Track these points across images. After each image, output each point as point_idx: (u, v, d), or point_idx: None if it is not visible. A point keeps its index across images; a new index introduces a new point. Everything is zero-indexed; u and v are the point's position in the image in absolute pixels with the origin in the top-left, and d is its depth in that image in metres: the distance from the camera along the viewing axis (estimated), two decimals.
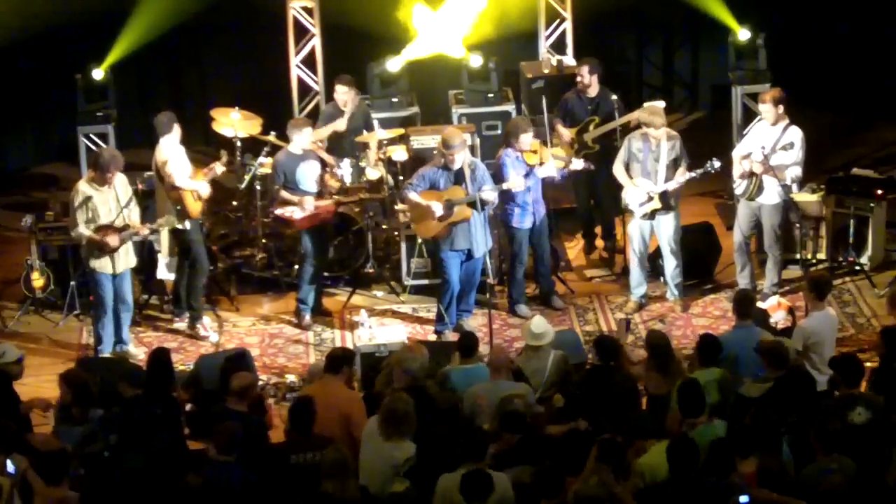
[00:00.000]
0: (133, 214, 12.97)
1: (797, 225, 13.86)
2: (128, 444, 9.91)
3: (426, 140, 15.10)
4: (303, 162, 13.46)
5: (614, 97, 14.50)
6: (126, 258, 13.00)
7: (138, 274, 13.99)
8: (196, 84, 17.91)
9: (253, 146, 14.94)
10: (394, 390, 10.27)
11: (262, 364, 12.94)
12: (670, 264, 13.71)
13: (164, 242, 13.92)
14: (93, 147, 15.08)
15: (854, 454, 9.08)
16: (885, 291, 13.47)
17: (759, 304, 12.32)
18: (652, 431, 9.67)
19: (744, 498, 8.53)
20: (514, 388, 10.46)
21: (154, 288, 14.26)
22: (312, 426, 9.83)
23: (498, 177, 13.32)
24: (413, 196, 13.10)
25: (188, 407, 11.25)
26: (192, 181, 13.27)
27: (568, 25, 16.87)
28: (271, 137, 14.62)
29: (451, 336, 13.01)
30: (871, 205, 14.24)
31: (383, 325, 13.26)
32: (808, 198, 14.30)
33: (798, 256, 14.01)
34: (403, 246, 14.20)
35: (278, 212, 13.55)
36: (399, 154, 14.87)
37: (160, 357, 11.02)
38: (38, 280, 13.99)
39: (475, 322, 13.41)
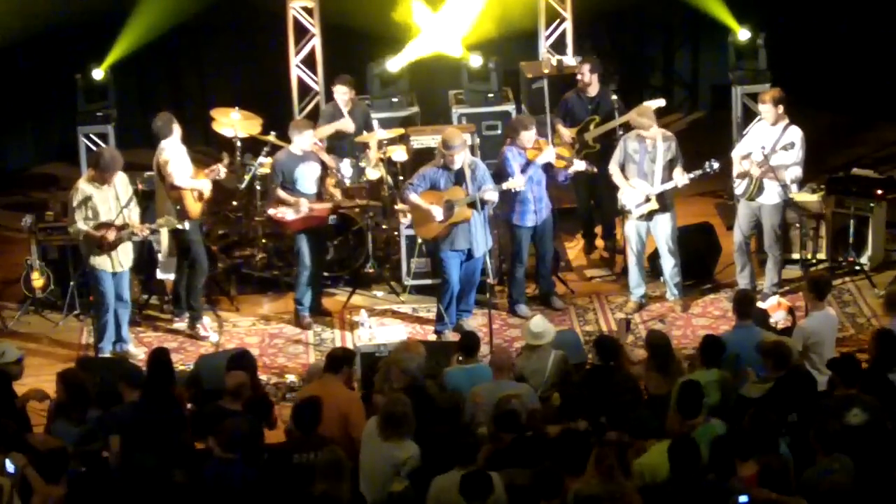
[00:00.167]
0: (133, 214, 12.97)
1: (797, 225, 13.85)
2: (136, 444, 9.92)
3: (426, 140, 15.10)
4: (302, 163, 13.45)
5: (614, 97, 14.52)
6: (125, 257, 13.00)
7: (138, 274, 14.00)
8: (196, 84, 17.91)
9: (253, 146, 14.93)
10: (393, 390, 10.27)
11: (262, 364, 12.92)
12: (668, 264, 13.70)
13: (163, 242, 13.92)
14: (93, 147, 15.06)
15: (852, 455, 9.08)
16: (883, 292, 13.46)
17: (759, 304, 12.33)
18: (652, 431, 9.67)
19: (743, 498, 8.53)
20: (516, 389, 10.46)
21: (154, 288, 14.27)
22: (317, 426, 9.83)
23: (501, 172, 13.32)
24: (414, 197, 13.09)
25: (188, 407, 11.25)
26: (193, 180, 13.27)
27: (568, 25, 16.85)
28: (271, 137, 14.62)
29: (451, 336, 13.02)
30: (871, 205, 14.23)
31: (383, 325, 13.26)
32: (808, 198, 14.30)
33: (798, 256, 14.01)
34: (403, 246, 14.20)
35: (271, 211, 13.55)
36: (399, 154, 14.87)
37: (160, 357, 11.01)
38: (38, 280, 13.99)
39: (475, 322, 13.40)
